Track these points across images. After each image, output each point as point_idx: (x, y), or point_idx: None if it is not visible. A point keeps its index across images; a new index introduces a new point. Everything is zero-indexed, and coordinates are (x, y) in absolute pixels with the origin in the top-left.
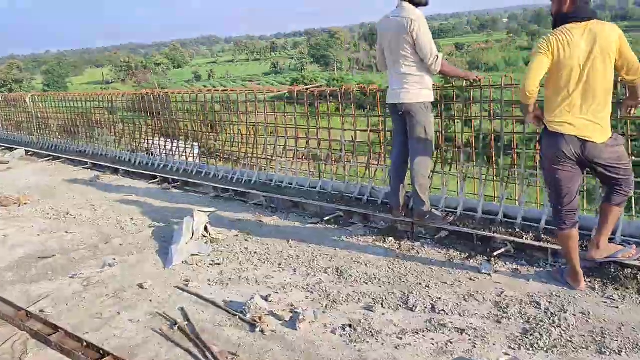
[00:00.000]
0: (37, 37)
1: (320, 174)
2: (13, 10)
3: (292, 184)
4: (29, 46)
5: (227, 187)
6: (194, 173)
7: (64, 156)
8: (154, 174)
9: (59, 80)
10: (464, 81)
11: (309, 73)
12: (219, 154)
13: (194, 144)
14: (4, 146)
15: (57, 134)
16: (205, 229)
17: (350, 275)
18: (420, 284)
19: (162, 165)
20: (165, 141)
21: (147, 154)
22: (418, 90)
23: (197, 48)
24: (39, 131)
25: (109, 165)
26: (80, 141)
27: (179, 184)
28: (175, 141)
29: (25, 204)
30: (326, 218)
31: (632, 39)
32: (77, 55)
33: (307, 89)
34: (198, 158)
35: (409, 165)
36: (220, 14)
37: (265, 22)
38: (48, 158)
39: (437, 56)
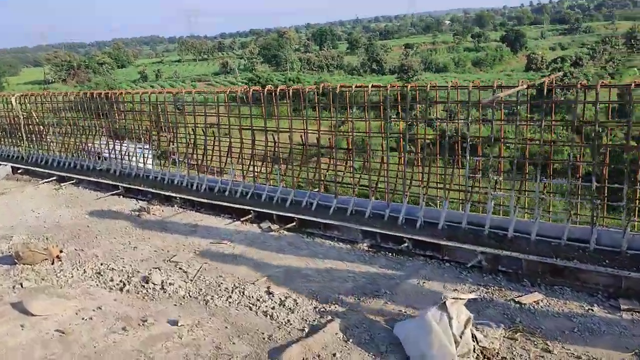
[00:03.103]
0: None
1: (594, 218)
2: None
3: (528, 234)
4: None
5: (392, 234)
6: (313, 208)
7: (76, 176)
8: (243, 207)
9: None
10: None
11: (263, 73)
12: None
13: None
14: None
15: (62, 145)
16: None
17: None
18: None
19: (248, 194)
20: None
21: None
22: None
23: (140, 48)
24: (30, 142)
25: (152, 191)
26: (95, 153)
27: (294, 224)
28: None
29: (58, 258)
30: None
31: (572, 40)
32: (12, 55)
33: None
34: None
35: None
36: (160, 14)
37: (208, 21)
38: (51, 179)
39: None
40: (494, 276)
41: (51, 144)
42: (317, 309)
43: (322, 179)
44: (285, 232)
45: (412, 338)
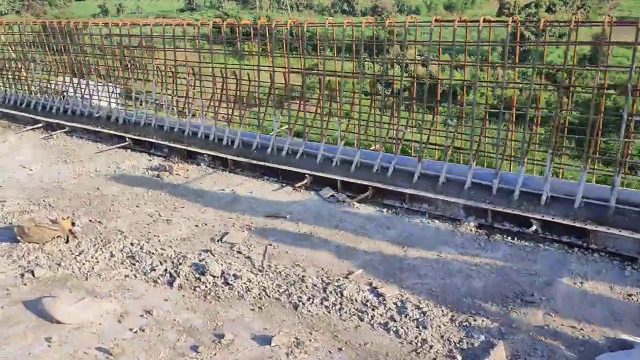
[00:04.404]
0: None
1: None
2: None
3: None
4: None
5: (511, 212)
6: (389, 173)
7: (68, 124)
8: (294, 169)
9: None
10: None
11: (231, 10)
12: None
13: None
14: None
15: (47, 85)
16: None
17: None
18: None
19: (297, 153)
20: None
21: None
22: None
23: None
24: (7, 80)
25: (169, 144)
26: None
27: (367, 194)
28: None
29: (72, 233)
30: None
31: None
32: None
33: None
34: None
35: None
36: None
37: None
38: (37, 126)
39: None
40: None
41: (32, 83)
42: (455, 322)
43: (401, 137)
44: (357, 204)
45: None
